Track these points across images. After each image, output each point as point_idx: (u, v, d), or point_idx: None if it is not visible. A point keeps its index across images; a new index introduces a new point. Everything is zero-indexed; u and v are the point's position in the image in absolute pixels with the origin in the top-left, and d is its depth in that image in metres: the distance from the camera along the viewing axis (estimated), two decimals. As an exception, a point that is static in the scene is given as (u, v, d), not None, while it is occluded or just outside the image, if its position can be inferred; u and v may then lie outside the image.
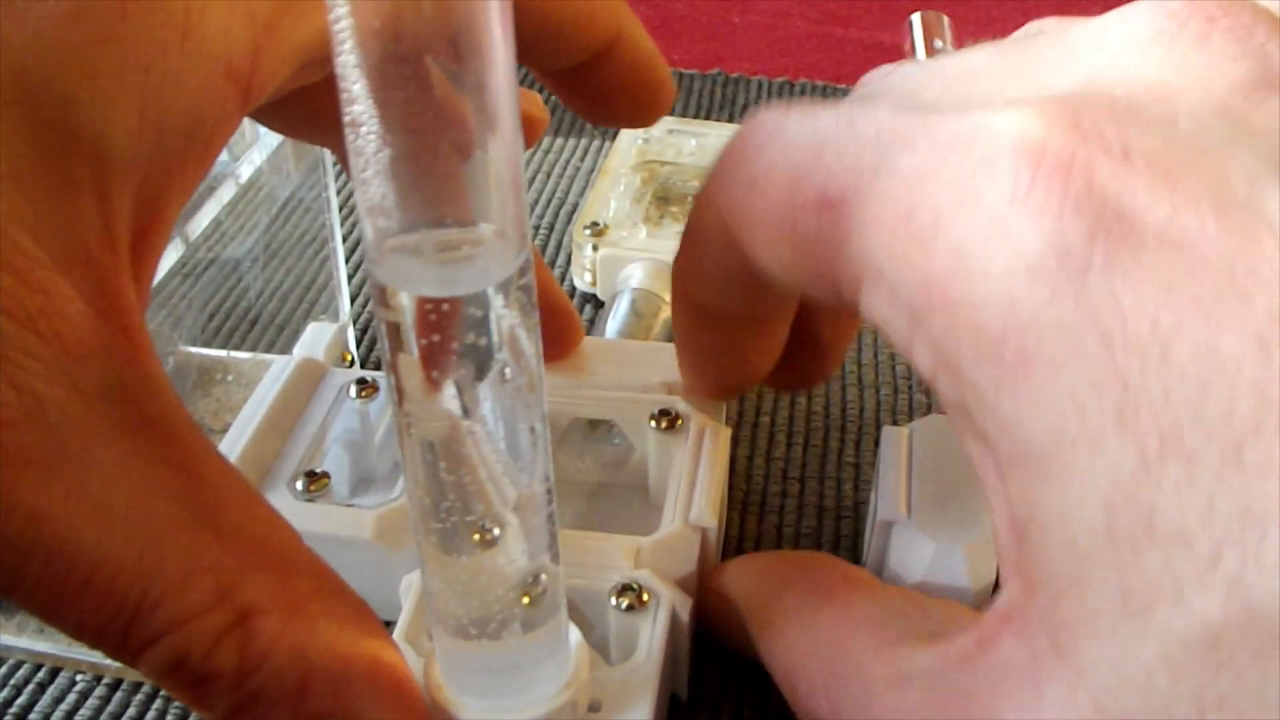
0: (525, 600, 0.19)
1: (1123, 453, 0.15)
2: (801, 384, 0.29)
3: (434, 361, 0.16)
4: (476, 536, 0.18)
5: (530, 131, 0.26)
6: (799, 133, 0.20)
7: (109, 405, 0.17)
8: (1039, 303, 0.15)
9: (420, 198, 0.15)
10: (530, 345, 0.17)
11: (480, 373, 0.16)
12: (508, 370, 0.16)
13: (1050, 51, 0.19)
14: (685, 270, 0.25)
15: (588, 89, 0.25)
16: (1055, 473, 0.15)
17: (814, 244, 0.19)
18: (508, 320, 0.16)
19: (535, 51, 0.24)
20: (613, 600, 0.23)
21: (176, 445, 0.18)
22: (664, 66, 0.25)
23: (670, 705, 0.25)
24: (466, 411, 0.17)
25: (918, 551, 0.25)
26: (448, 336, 0.15)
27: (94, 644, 0.17)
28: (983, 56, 0.20)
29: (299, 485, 0.26)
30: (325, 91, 0.16)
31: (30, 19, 0.17)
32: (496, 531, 0.18)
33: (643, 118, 0.26)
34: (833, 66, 0.56)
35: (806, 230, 0.19)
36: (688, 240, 0.24)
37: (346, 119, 0.14)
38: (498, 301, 0.16)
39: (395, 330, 0.16)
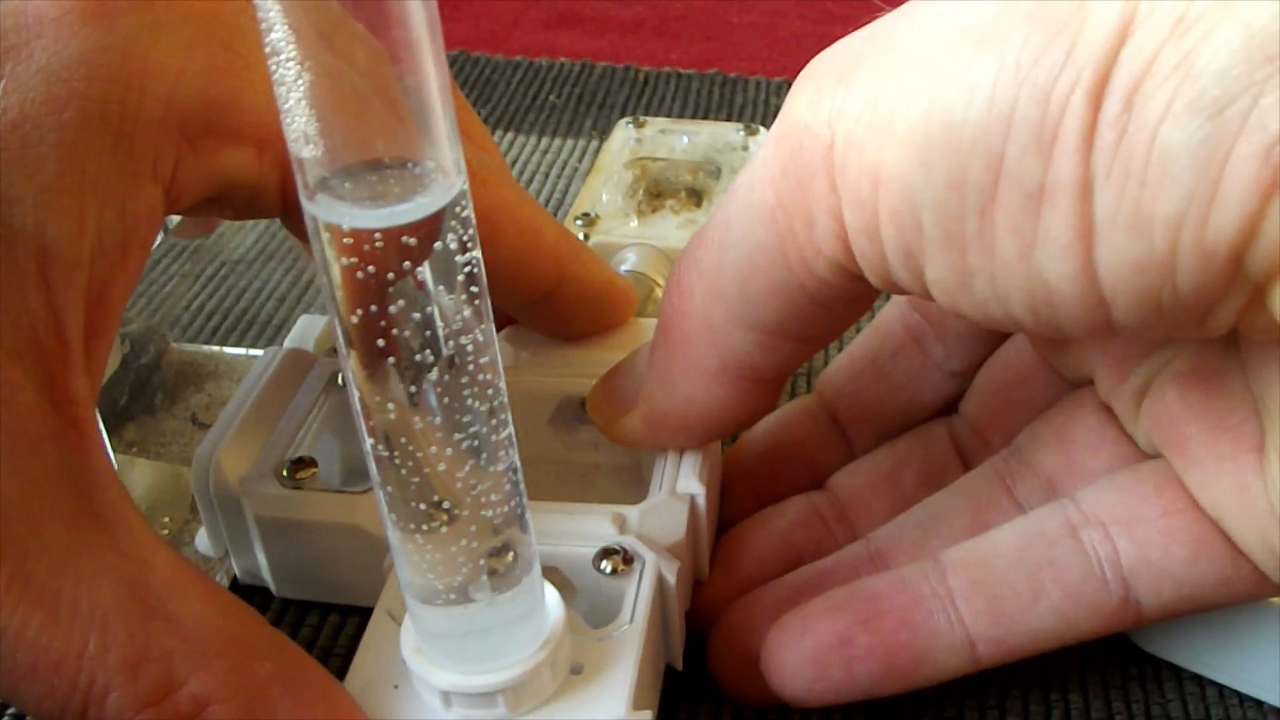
0: (493, 570, 0.19)
1: None
2: None
3: (370, 298, 0.16)
4: (436, 517, 0.18)
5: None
6: None
7: (57, 494, 0.17)
8: None
9: (346, 126, 0.14)
10: (476, 316, 0.16)
11: (426, 330, 0.16)
12: (457, 339, 0.16)
13: None
14: None
15: (544, 319, 0.28)
16: None
17: None
18: (445, 256, 0.16)
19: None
20: (597, 564, 0.23)
21: (125, 535, 0.18)
22: (619, 287, 0.28)
23: (666, 676, 0.25)
24: (416, 386, 0.16)
25: None
26: (383, 270, 0.15)
27: None
28: None
29: (285, 472, 0.26)
30: None
31: None
32: (456, 510, 0.18)
33: (603, 330, 0.29)
34: (831, 61, 0.55)
35: None
36: None
37: (267, 49, 0.14)
38: (434, 233, 0.15)
39: (329, 270, 0.16)
